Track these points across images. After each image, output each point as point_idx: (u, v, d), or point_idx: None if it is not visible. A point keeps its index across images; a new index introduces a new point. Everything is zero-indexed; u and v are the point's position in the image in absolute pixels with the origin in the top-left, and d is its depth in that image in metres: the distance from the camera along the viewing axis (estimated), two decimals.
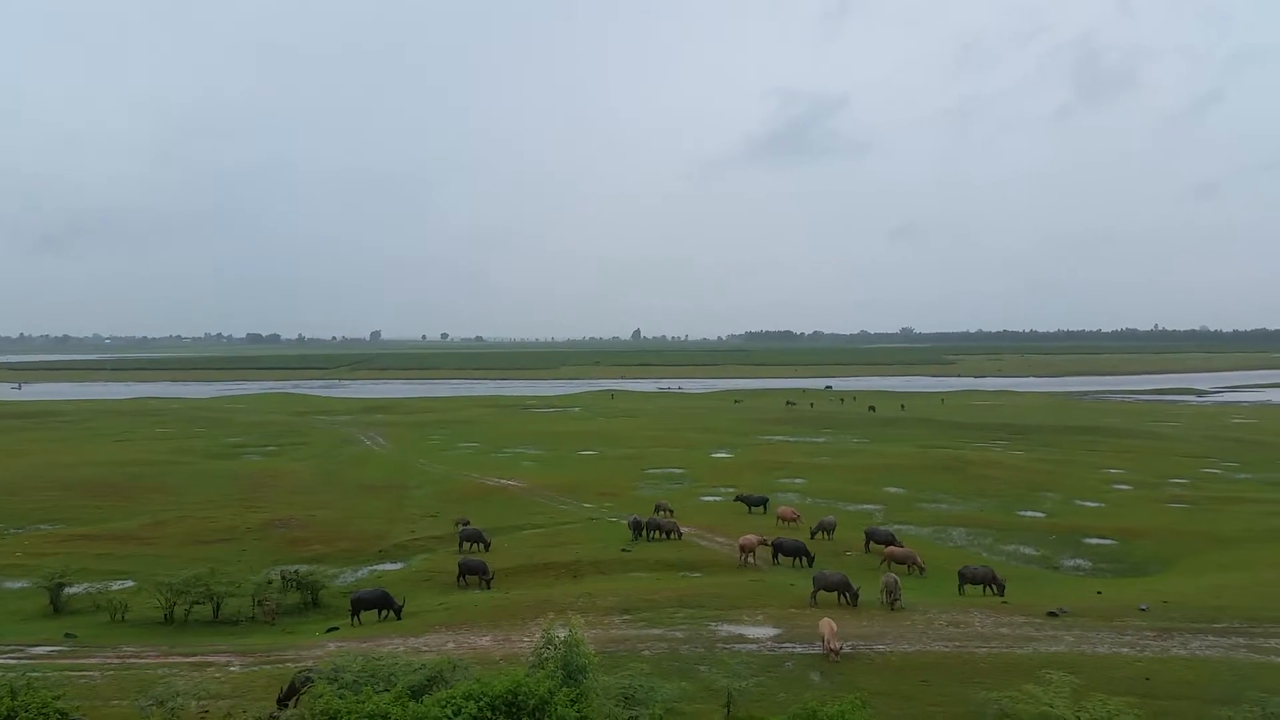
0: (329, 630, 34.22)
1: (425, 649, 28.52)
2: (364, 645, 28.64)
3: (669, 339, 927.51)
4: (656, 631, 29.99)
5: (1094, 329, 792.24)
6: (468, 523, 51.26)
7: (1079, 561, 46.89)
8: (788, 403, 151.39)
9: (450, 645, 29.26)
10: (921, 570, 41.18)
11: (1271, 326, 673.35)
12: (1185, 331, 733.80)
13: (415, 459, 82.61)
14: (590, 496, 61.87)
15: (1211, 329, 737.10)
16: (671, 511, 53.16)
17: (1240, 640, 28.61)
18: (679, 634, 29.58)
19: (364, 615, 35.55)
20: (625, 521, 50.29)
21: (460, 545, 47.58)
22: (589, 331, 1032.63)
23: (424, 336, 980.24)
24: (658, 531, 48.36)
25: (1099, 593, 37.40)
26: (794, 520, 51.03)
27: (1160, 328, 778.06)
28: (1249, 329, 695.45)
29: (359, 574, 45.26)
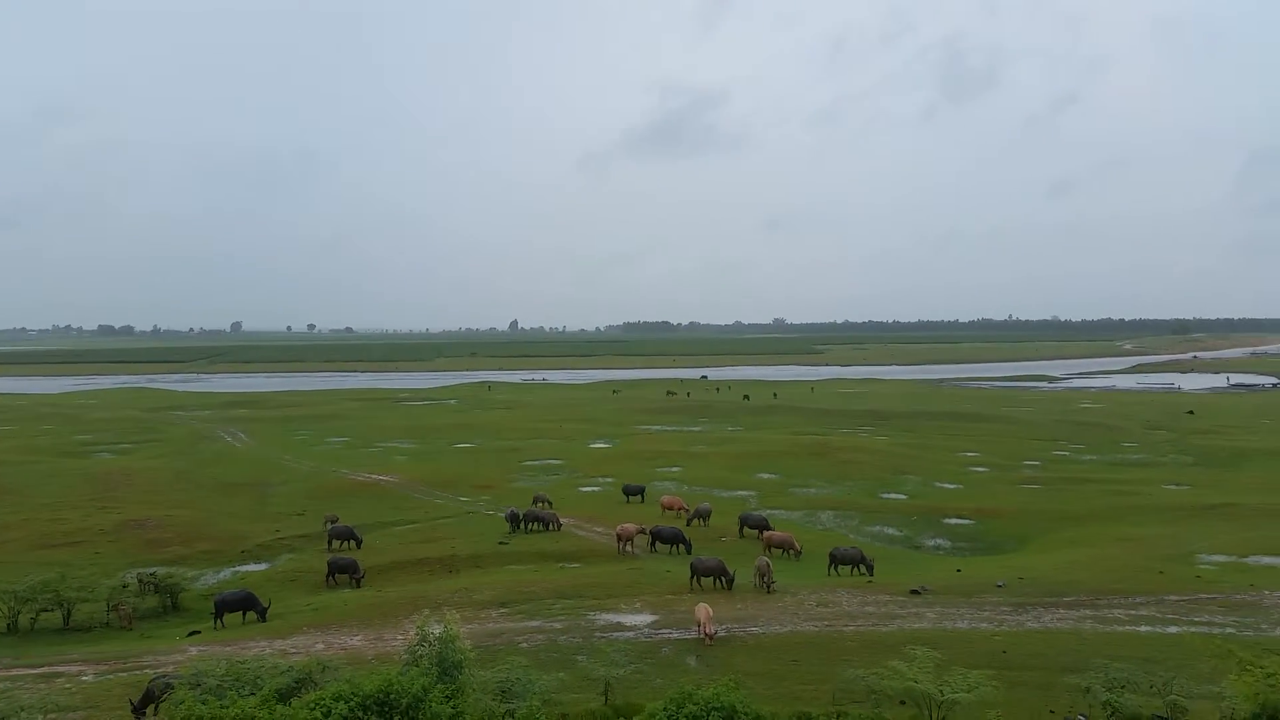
0: (190, 634, 32.78)
1: (293, 651, 27.64)
2: (228, 649, 27.52)
3: (547, 329, 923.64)
4: (535, 623, 29.91)
5: (952, 319, 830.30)
6: (337, 520, 49.87)
7: (939, 541, 49.10)
8: (668, 392, 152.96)
9: (320, 646, 28.44)
10: (798, 553, 42.34)
11: (1116, 316, 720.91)
12: (1038, 322, 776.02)
13: (280, 455, 79.82)
14: (466, 490, 61.11)
15: (1062, 319, 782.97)
16: (550, 503, 53.02)
17: (1087, 612, 30.52)
18: (557, 625, 29.59)
19: (228, 618, 34.16)
20: (502, 514, 49.89)
21: (329, 543, 46.26)
22: (465, 322, 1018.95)
23: (289, 328, 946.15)
24: (536, 523, 48.20)
25: (959, 570, 39.29)
26: (680, 509, 51.54)
27: (1014, 318, 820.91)
28: (1096, 319, 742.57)
29: (221, 575, 43.46)
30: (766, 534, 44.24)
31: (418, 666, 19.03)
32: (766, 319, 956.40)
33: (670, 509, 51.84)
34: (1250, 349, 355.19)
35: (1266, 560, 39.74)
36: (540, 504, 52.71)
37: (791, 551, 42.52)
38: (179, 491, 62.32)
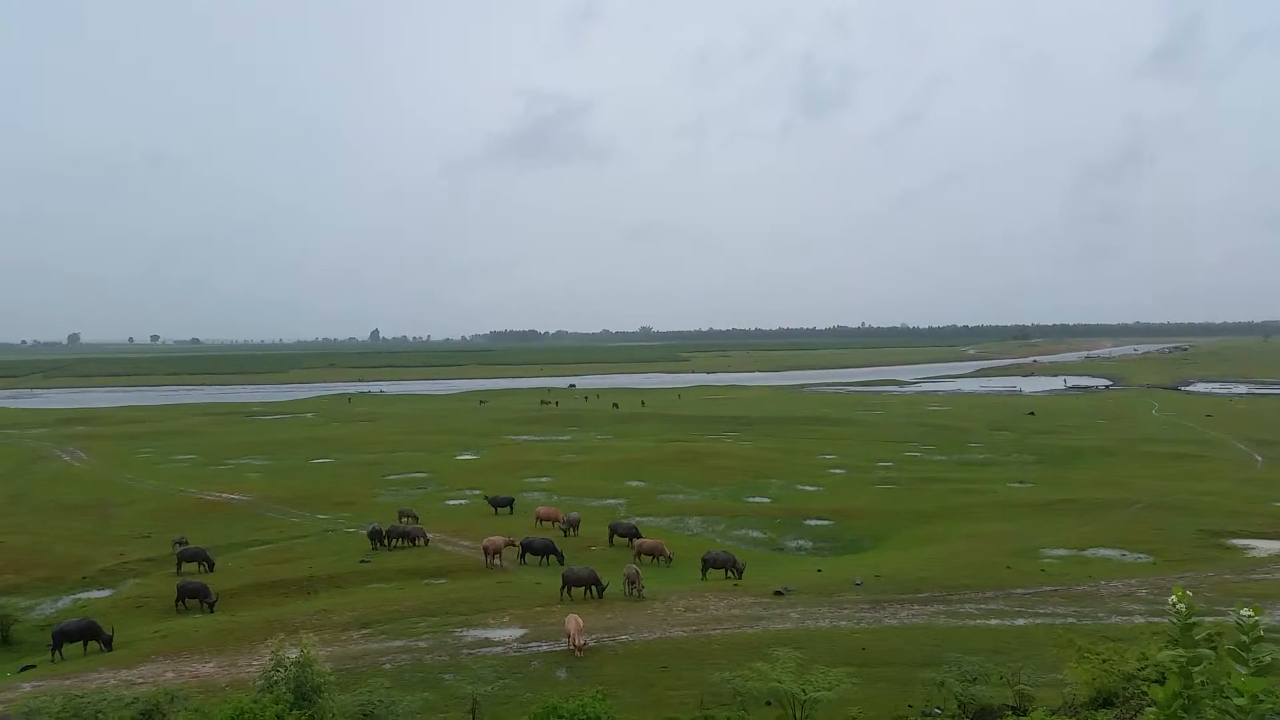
0: (23, 669, 30.38)
1: (139, 681, 26.03)
2: (67, 683, 25.63)
3: (410, 339, 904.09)
4: (399, 643, 29.07)
5: (810, 326, 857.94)
6: (186, 542, 47.26)
7: (801, 542, 50.38)
8: (542, 401, 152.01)
9: (169, 675, 26.87)
10: (669, 560, 42.62)
11: (961, 323, 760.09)
12: (888, 328, 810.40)
13: (123, 475, 75.18)
14: (326, 507, 58.96)
15: (911, 326, 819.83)
16: (416, 518, 51.72)
17: (940, 607, 31.87)
18: (423, 644, 28.85)
19: (68, 649, 31.78)
20: (364, 531, 48.35)
21: (179, 566, 43.76)
22: (322, 333, 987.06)
23: (131, 339, 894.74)
24: (401, 539, 46.94)
25: (819, 570, 40.39)
26: (555, 520, 51.07)
27: (867, 325, 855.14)
28: (942, 325, 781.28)
29: (60, 604, 40.44)
30: (638, 542, 44.40)
31: (273, 692, 18.24)
32: (634, 327, 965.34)
33: (546, 520, 51.39)
34: (1085, 352, 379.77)
35: (1103, 552, 42.49)
36: (405, 519, 51.36)
37: (662, 558, 42.80)
38: (12, 515, 57.79)
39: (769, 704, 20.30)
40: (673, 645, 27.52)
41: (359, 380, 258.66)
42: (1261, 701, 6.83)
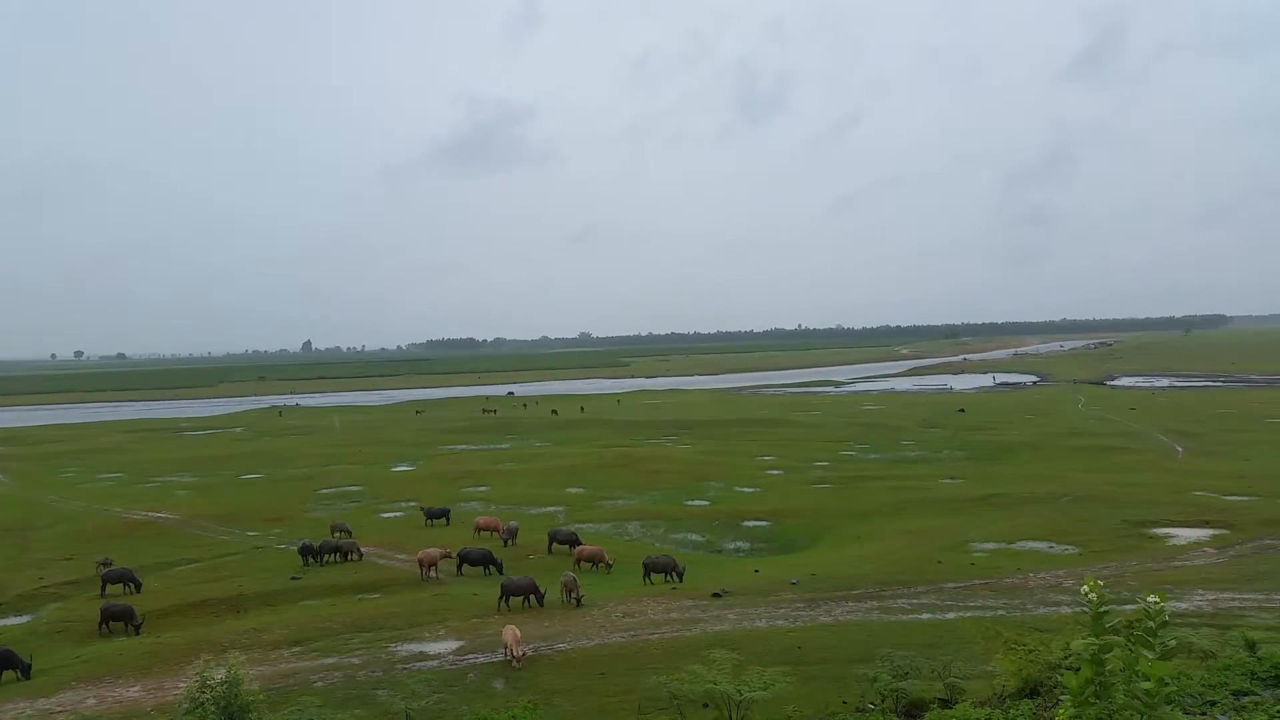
0: None
1: (58, 709, 25.13)
2: None
3: (344, 349, 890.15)
4: (331, 660, 28.48)
5: (748, 329, 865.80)
6: (110, 563, 45.72)
7: (739, 543, 50.64)
8: (483, 410, 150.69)
9: (91, 701, 25.96)
10: (609, 566, 42.46)
11: (894, 324, 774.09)
12: (824, 330, 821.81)
13: (44, 496, 72.63)
14: (256, 523, 57.61)
15: (846, 327, 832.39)
16: (349, 532, 50.80)
17: (874, 604, 32.26)
18: (355, 660, 28.30)
19: None
20: (295, 547, 47.33)
21: (103, 589, 42.33)
22: (252, 344, 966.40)
23: (54, 355, 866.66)
24: (334, 554, 46.07)
25: (757, 571, 40.61)
26: (494, 530, 50.53)
27: (803, 327, 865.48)
28: (876, 326, 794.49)
29: None
30: (578, 549, 44.17)
31: (198, 714, 17.74)
32: (573, 333, 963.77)
33: (485, 529, 50.84)
34: (1013, 350, 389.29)
35: (1030, 545, 43.46)
36: (338, 534, 50.40)
37: (603, 564, 42.65)
38: None
39: (706, 706, 20.30)
40: (611, 651, 27.41)
41: (291, 393, 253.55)
42: (1167, 684, 6.99)
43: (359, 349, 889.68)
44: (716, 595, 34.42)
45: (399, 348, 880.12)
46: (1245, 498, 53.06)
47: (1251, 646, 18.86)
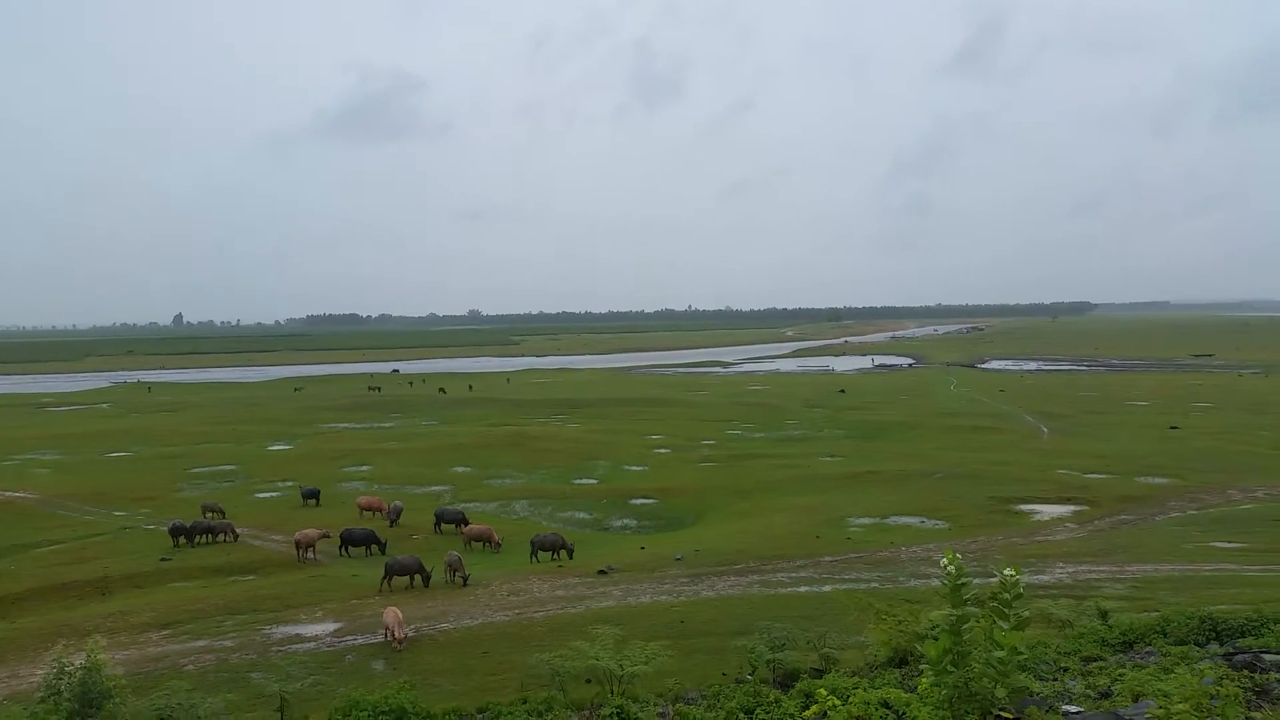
0: None
1: None
2: None
3: (219, 324, 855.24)
4: (202, 643, 27.49)
5: (639, 309, 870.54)
6: None
7: (626, 521, 51.04)
8: (369, 387, 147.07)
9: None
10: (498, 545, 42.15)
11: (780, 306, 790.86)
12: (713, 311, 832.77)
13: None
14: (123, 503, 54.96)
15: (735, 309, 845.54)
16: (223, 512, 49.03)
17: (755, 578, 33.02)
18: (228, 643, 27.40)
19: None
20: (165, 528, 45.40)
21: None
22: (120, 317, 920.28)
23: None
24: (207, 535, 44.41)
25: (643, 548, 41.02)
26: (378, 510, 49.49)
27: (693, 308, 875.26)
28: (763, 308, 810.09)
29: None
30: (466, 528, 43.76)
31: (52, 701, 16.95)
32: (462, 310, 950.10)
33: (368, 509, 49.77)
34: (891, 333, 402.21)
35: (903, 520, 45.19)
36: (210, 514, 48.61)
37: (492, 543, 42.35)
38: None
39: (588, 681, 20.43)
40: (495, 630, 27.30)
41: (161, 368, 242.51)
42: (1020, 653, 7.35)
43: (234, 323, 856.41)
44: (602, 572, 34.64)
45: (277, 322, 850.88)
46: (1104, 475, 56.31)
47: (1104, 615, 20.11)
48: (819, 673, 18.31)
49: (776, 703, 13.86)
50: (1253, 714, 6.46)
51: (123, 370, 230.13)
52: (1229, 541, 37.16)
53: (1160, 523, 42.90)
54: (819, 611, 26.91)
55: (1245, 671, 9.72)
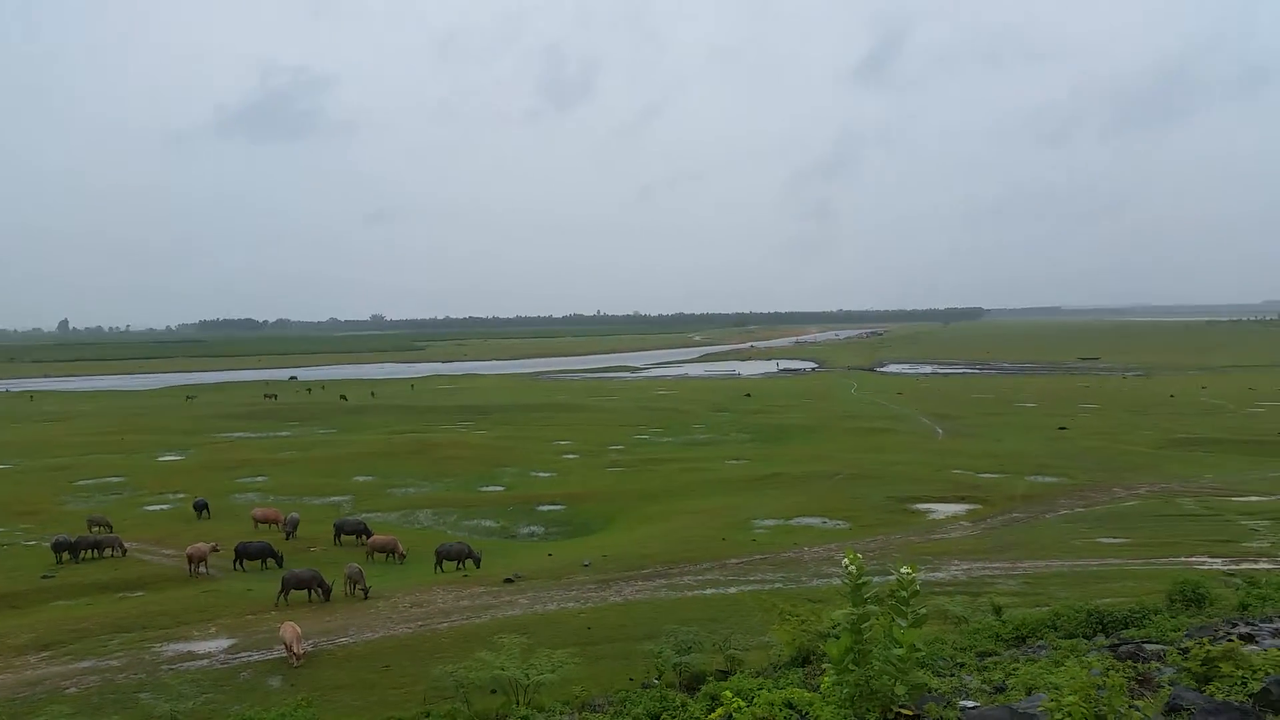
0: None
1: None
2: None
3: (107, 330, 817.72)
4: (86, 664, 26.15)
5: (547, 314, 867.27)
6: None
7: (533, 528, 50.65)
8: (264, 395, 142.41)
9: None
10: (402, 556, 41.27)
11: (688, 311, 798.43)
12: (622, 316, 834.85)
13: None
14: (2, 518, 52.01)
15: (643, 313, 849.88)
16: (110, 526, 46.87)
17: (662, 582, 33.10)
18: (115, 663, 26.13)
19: None
20: (47, 543, 43.13)
21: None
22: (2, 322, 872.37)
23: None
24: (93, 550, 42.35)
25: (550, 555, 40.77)
26: (274, 522, 47.91)
27: (602, 313, 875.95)
28: (671, 314, 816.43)
29: None
30: (370, 540, 42.73)
31: None
32: (364, 315, 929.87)
33: (264, 521, 48.18)
34: (795, 338, 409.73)
35: (807, 521, 45.96)
36: (96, 528, 46.42)
37: (396, 554, 41.46)
38: None
39: (494, 692, 20.13)
40: (397, 643, 26.69)
41: (44, 376, 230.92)
42: (918, 650, 7.47)
43: (123, 329, 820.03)
44: (509, 580, 34.25)
45: (169, 328, 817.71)
46: (996, 475, 58.34)
47: (998, 611, 20.77)
48: (725, 674, 18.40)
49: (683, 706, 13.86)
50: (1135, 702, 6.70)
51: (2, 379, 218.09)
52: (1114, 537, 38.86)
53: (1050, 520, 44.61)
54: (725, 613, 27.12)
55: (1129, 662, 10.13)
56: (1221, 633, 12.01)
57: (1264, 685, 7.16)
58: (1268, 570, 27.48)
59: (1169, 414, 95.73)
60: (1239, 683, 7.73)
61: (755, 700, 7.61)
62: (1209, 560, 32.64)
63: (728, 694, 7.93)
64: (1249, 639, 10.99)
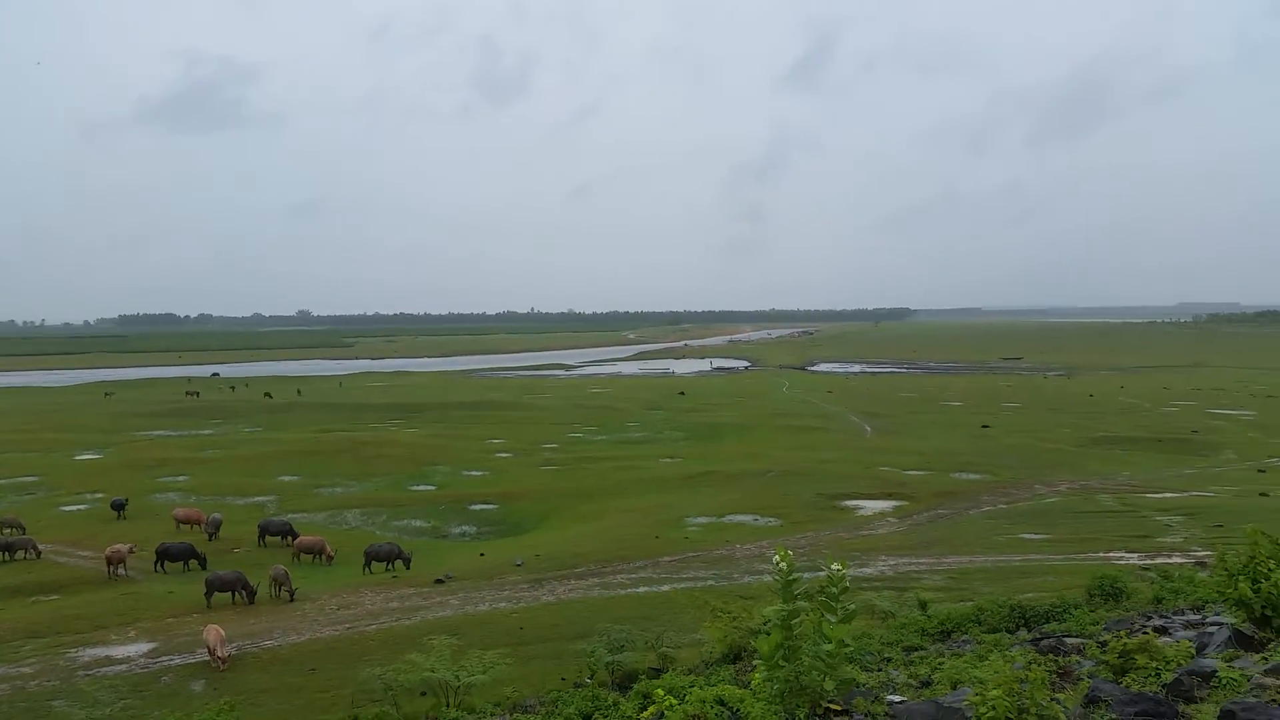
0: None
1: None
2: None
3: (20, 324, 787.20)
4: None
5: (481, 311, 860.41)
6: None
7: (465, 528, 50.18)
8: (186, 393, 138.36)
9: None
10: (330, 558, 40.52)
11: (623, 309, 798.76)
12: (557, 314, 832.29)
13: None
14: None
15: (578, 311, 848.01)
16: (23, 528, 45.13)
17: (595, 581, 33.06)
18: (27, 669, 25.20)
19: None
20: None
21: None
22: None
23: None
24: (4, 552, 40.72)
25: (482, 555, 40.45)
26: (196, 523, 46.58)
27: (536, 310, 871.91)
28: (605, 311, 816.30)
29: None
30: (297, 541, 41.84)
31: None
32: (290, 311, 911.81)
33: (186, 522, 46.83)
34: (728, 337, 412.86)
35: (739, 518, 46.35)
36: (8, 530, 44.68)
37: (323, 556, 40.68)
38: None
39: (423, 694, 19.91)
40: (324, 646, 26.22)
41: None
42: (847, 645, 7.57)
43: (38, 324, 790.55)
44: (439, 581, 33.89)
45: (86, 323, 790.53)
46: (922, 472, 59.55)
47: (924, 606, 21.21)
48: (657, 672, 18.46)
49: (615, 705, 13.88)
50: (1057, 695, 6.88)
51: None
52: (1036, 533, 39.95)
53: (974, 517, 45.69)
54: (658, 611, 27.19)
55: (1051, 655, 10.43)
56: (1137, 626, 12.43)
57: (1176, 676, 7.43)
58: (1180, 564, 28.51)
59: (1088, 413, 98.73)
60: (1153, 674, 8.01)
61: (687, 698, 7.64)
62: (1126, 555, 33.75)
63: (660, 692, 7.95)
64: (1163, 631, 11.39)
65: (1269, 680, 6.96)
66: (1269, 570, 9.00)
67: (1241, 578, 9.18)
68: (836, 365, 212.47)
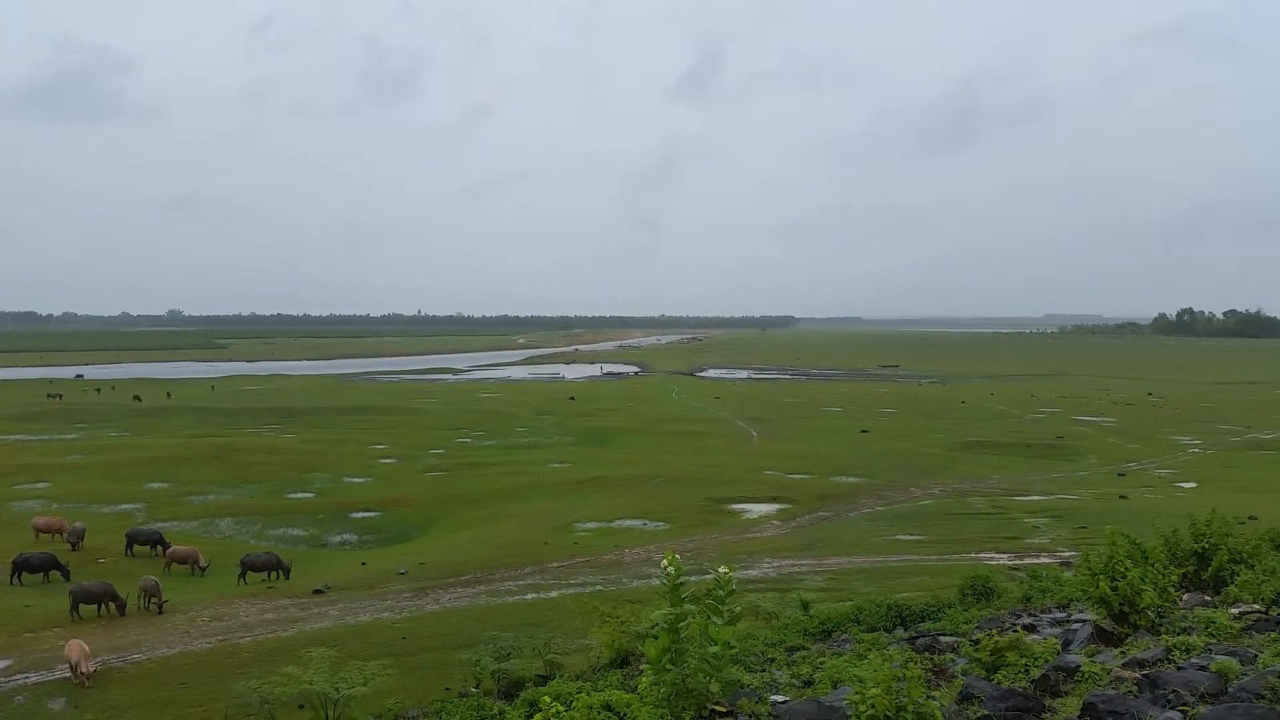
0: None
1: None
2: None
3: None
4: None
5: (364, 313, 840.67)
6: None
7: (346, 536, 48.89)
8: (48, 395, 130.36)
9: None
10: (203, 568, 38.82)
11: (513, 314, 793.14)
12: (445, 317, 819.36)
13: None
14: None
15: (466, 315, 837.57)
16: None
17: (482, 588, 32.68)
18: None
19: None
20: None
21: None
22: None
23: None
24: None
25: (364, 563, 39.47)
26: (58, 532, 43.90)
27: (424, 313, 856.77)
28: (495, 315, 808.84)
29: None
30: (170, 550, 39.96)
31: None
32: (160, 310, 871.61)
33: (46, 531, 44.13)
34: (619, 342, 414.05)
35: (628, 523, 46.58)
36: None
37: (196, 566, 38.95)
38: None
39: (301, 707, 19.29)
40: (195, 659, 25.13)
41: None
42: (732, 647, 7.68)
43: None
44: (318, 591, 32.93)
45: None
46: (804, 476, 61.02)
47: (805, 606, 21.66)
48: (545, 679, 18.36)
49: (500, 714, 13.74)
50: (933, 692, 7.14)
51: None
52: (911, 535, 41.43)
53: (853, 519, 47.08)
54: (546, 618, 27.06)
55: (926, 654, 10.81)
56: (1008, 624, 13.00)
57: (1043, 672, 7.81)
58: (1048, 564, 29.97)
59: (961, 419, 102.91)
60: (1023, 670, 8.39)
61: (574, 704, 7.62)
62: (996, 555, 35.31)
63: (546, 699, 7.89)
64: (1031, 629, 11.95)
65: (1126, 673, 7.39)
66: (1126, 569, 9.67)
67: (1102, 577, 9.80)
68: (724, 371, 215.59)
